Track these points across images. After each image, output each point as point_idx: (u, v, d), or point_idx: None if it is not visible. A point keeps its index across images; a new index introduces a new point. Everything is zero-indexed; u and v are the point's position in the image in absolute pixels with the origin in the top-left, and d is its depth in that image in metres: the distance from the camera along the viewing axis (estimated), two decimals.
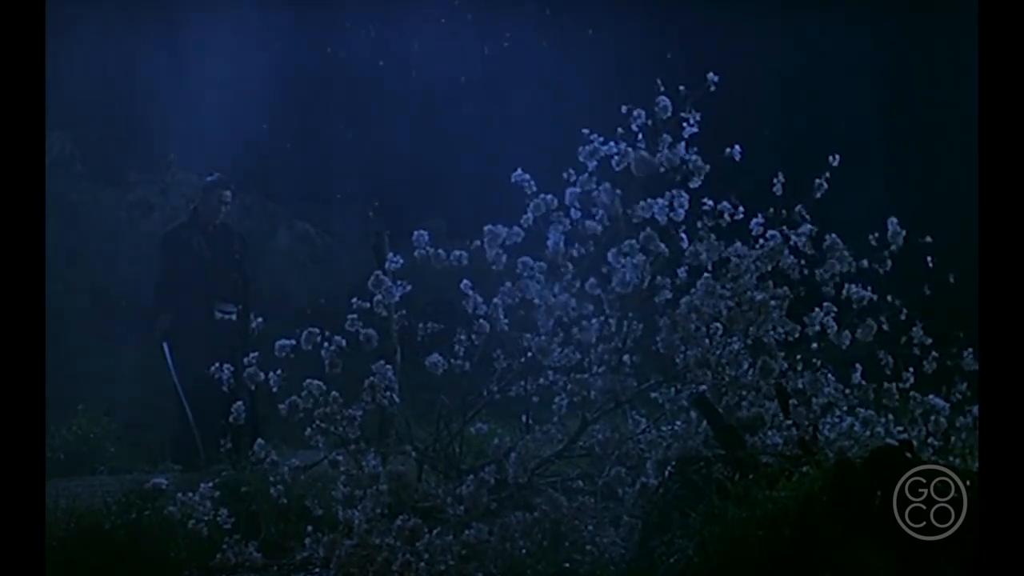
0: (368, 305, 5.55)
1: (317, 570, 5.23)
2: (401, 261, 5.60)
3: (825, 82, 12.15)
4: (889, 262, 5.57)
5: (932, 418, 5.66)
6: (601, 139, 5.38)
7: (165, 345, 7.96)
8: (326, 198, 12.81)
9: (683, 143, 5.39)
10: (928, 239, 5.55)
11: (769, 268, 5.45)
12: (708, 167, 5.40)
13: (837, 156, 5.53)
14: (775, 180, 5.52)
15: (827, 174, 5.56)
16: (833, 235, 5.56)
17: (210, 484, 5.53)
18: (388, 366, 5.43)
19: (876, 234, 5.57)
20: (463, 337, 5.61)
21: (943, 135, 11.23)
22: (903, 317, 5.64)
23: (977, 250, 4.08)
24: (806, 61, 11.97)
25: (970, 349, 5.59)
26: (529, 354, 5.53)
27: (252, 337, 7.15)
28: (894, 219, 5.56)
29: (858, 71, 12.33)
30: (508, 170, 5.55)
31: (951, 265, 5.61)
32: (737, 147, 5.36)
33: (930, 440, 5.63)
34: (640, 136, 5.34)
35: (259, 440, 5.48)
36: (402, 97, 12.73)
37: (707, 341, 5.29)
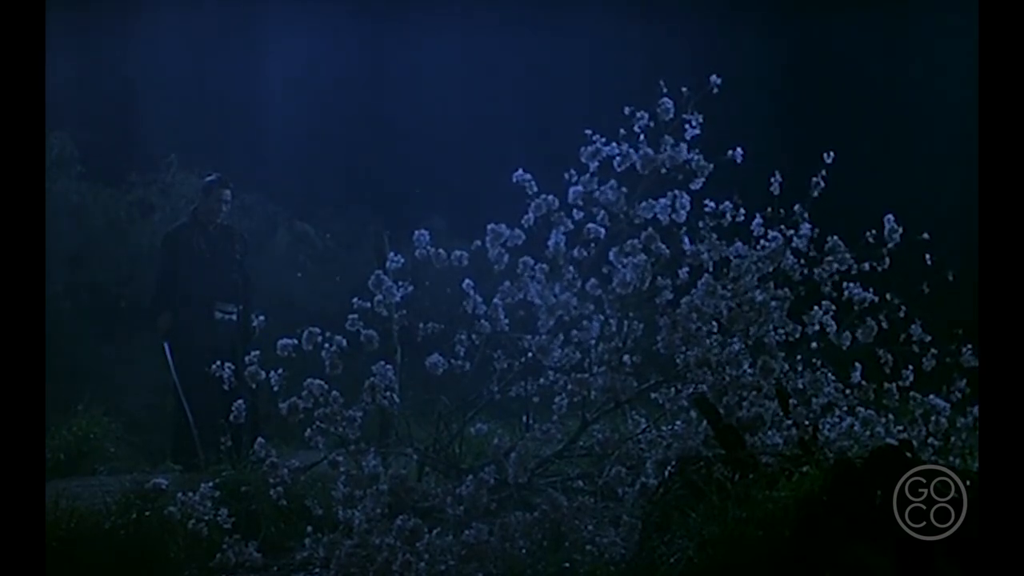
0: (369, 305, 5.56)
1: (317, 570, 5.22)
2: (402, 261, 5.60)
3: (825, 82, 12.15)
4: (887, 260, 5.58)
5: (932, 418, 5.67)
6: (603, 140, 5.38)
7: (165, 345, 7.96)
8: (326, 198, 12.81)
9: (685, 144, 5.38)
10: (926, 236, 5.56)
11: (770, 269, 5.45)
12: (711, 166, 5.40)
13: (831, 153, 5.54)
14: (772, 179, 5.52)
15: (823, 172, 5.56)
16: (834, 237, 5.57)
17: (210, 484, 5.53)
18: (388, 366, 5.43)
19: (873, 231, 5.58)
20: (463, 337, 5.61)
21: (943, 133, 11.23)
22: (902, 315, 5.65)
23: (976, 247, 4.08)
24: (807, 61, 11.97)
25: (969, 346, 5.60)
26: (529, 354, 5.53)
27: (253, 337, 7.19)
28: (890, 216, 5.57)
29: (858, 70, 12.33)
30: (509, 170, 5.55)
31: (949, 262, 5.61)
32: (739, 149, 5.36)
33: (930, 440, 5.64)
34: (642, 137, 5.34)
35: (259, 439, 5.48)
36: (403, 96, 12.73)
37: (707, 341, 5.29)
